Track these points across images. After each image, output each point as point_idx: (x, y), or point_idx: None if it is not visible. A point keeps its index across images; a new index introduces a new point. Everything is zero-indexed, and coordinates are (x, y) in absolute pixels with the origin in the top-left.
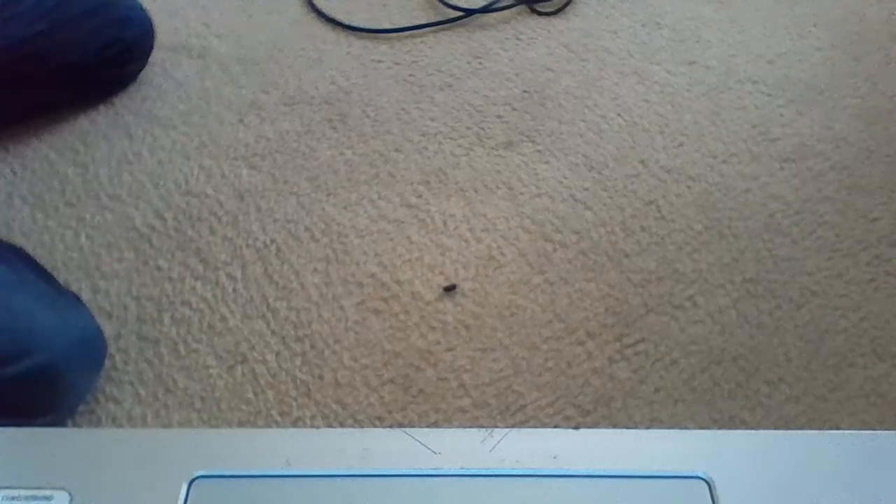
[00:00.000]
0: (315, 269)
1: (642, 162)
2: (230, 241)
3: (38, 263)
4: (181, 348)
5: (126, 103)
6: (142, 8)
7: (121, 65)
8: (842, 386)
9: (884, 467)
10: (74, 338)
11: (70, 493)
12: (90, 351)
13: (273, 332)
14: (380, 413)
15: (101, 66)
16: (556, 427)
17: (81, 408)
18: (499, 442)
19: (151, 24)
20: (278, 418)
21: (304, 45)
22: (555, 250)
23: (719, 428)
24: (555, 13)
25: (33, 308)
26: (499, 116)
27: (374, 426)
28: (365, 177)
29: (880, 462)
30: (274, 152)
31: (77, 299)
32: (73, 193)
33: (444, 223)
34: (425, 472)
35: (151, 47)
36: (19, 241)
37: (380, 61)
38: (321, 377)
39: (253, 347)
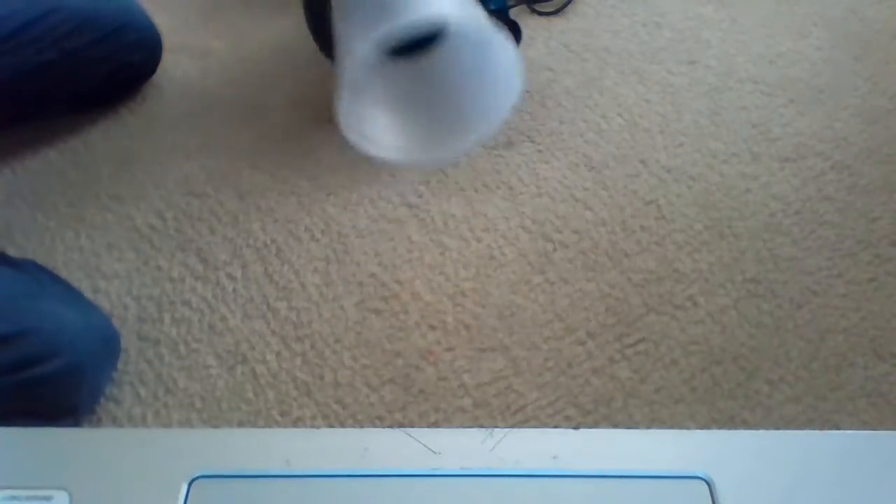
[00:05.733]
0: (315, 269)
1: (642, 161)
2: (230, 240)
3: (55, 274)
4: (181, 348)
5: (127, 103)
6: (151, 27)
7: (126, 85)
8: (842, 386)
9: (884, 467)
10: (98, 339)
11: (70, 493)
12: (110, 351)
13: (273, 332)
14: (380, 413)
15: (106, 88)
16: (556, 427)
17: None
18: (499, 442)
19: (160, 42)
20: (278, 418)
21: (304, 44)
22: (555, 250)
23: (719, 428)
24: (555, 13)
25: (60, 311)
26: None
27: (374, 426)
28: (365, 177)
29: (880, 462)
30: (274, 152)
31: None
32: (73, 193)
33: (444, 223)
34: (425, 472)
35: (158, 64)
36: (19, 241)
37: None
38: (321, 377)
39: (253, 347)
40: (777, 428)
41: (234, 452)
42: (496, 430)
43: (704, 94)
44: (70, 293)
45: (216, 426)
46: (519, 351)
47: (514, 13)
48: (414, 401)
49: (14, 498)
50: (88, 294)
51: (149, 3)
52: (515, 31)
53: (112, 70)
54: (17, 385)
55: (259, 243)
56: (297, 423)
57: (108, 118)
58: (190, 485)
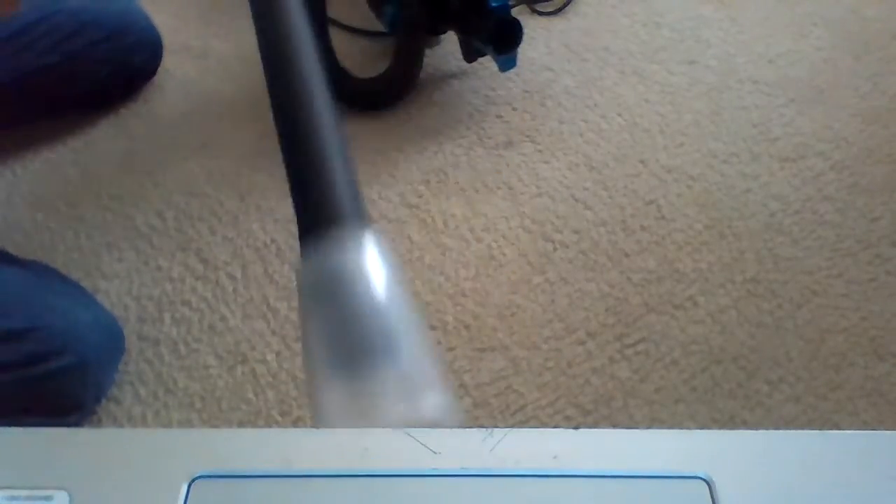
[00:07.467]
0: None
1: (642, 161)
2: (230, 240)
3: (62, 273)
4: (181, 348)
5: (127, 103)
6: (152, 28)
7: (127, 86)
8: (842, 386)
9: (884, 467)
10: (105, 336)
11: (70, 493)
12: (115, 348)
13: (273, 332)
14: None
15: (107, 89)
16: (556, 427)
17: None
18: (499, 442)
19: (161, 43)
20: (278, 418)
21: None
22: (555, 250)
23: (720, 428)
24: (555, 13)
25: (69, 307)
26: (499, 116)
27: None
28: (365, 177)
29: (880, 462)
30: (275, 151)
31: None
32: (73, 193)
33: (444, 223)
34: (425, 472)
35: (158, 65)
36: (19, 241)
37: (380, 61)
38: None
39: (253, 347)
40: (777, 428)
41: (234, 452)
42: (496, 430)
43: (704, 94)
44: (77, 291)
45: (216, 426)
46: (519, 351)
47: (514, 13)
48: None
49: (14, 498)
50: None
51: (149, 3)
52: (516, 31)
53: (112, 71)
54: (26, 380)
55: (259, 243)
56: (297, 423)
57: (109, 118)
58: (190, 485)
